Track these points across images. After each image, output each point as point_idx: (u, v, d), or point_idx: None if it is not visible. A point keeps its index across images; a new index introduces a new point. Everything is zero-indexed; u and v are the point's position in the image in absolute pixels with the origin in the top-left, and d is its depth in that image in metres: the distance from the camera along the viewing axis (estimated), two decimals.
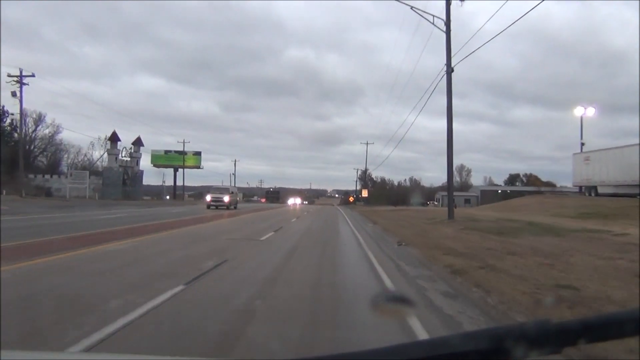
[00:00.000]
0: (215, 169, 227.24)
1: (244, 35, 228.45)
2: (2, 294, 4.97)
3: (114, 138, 71.12)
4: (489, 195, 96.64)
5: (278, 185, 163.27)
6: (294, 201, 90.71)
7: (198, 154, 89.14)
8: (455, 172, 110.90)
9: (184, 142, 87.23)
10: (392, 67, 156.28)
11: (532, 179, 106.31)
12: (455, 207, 34.78)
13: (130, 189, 69.46)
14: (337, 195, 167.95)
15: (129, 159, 72.11)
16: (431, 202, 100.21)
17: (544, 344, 0.80)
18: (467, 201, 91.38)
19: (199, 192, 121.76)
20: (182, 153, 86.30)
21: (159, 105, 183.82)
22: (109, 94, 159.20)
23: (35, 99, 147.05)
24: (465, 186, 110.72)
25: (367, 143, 79.33)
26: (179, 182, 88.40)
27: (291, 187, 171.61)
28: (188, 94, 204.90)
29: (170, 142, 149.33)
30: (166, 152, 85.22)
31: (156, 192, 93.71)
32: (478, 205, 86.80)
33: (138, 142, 74.83)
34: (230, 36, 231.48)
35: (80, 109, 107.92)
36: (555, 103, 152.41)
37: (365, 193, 79.95)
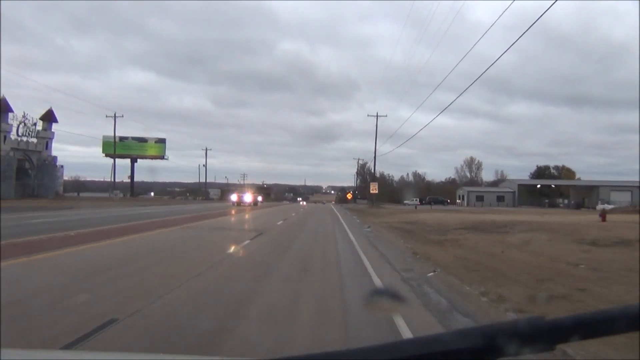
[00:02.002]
0: (211, 166, 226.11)
1: (236, 27, 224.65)
2: None
3: (48, 117, 53.65)
4: (527, 192, 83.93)
5: (272, 182, 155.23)
6: (240, 198, 50.81)
7: (162, 141, 74.90)
8: (464, 166, 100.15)
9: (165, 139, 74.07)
10: (387, 61, 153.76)
11: (564, 172, 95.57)
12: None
13: (35, 183, 51.40)
14: (332, 192, 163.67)
15: (34, 140, 51.18)
16: (447, 200, 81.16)
17: (536, 341, 0.81)
18: (501, 199, 79.10)
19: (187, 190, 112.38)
20: (142, 140, 72.98)
21: (150, 100, 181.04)
22: (99, 88, 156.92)
23: (26, 93, 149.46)
24: (475, 182, 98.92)
25: (377, 115, 55.93)
26: (142, 177, 78.91)
27: (287, 183, 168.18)
28: (179, 89, 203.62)
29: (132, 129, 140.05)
30: (122, 138, 69.55)
31: (105, 188, 77.74)
32: (516, 205, 73.73)
33: (49, 117, 53.81)
34: (221, 28, 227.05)
35: (69, 104, 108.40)
36: (552, 98, 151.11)
37: (374, 188, 57.78)
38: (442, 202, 76.10)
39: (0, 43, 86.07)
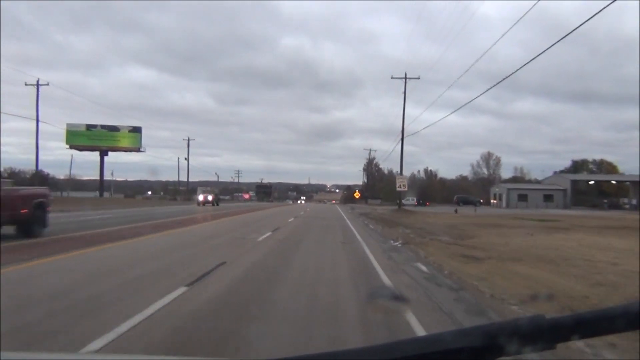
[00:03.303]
0: (213, 164, 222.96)
1: (237, 22, 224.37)
2: None
3: None
4: (580, 189, 71.85)
5: (276, 181, 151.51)
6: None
7: (137, 130, 64.53)
8: (481, 162, 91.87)
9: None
10: (391, 57, 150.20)
11: (605, 166, 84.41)
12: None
13: None
14: (337, 190, 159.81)
15: None
16: (480, 200, 68.60)
17: (537, 339, 0.81)
18: (548, 198, 66.95)
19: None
20: (113, 129, 63.45)
21: (151, 98, 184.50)
22: (99, 86, 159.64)
23: (27, 91, 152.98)
24: (493, 179, 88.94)
25: (405, 78, 39.65)
26: (143, 176, 70.47)
27: (290, 182, 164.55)
28: (180, 86, 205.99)
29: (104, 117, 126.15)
30: (89, 127, 62.23)
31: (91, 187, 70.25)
32: (568, 205, 62.02)
33: None
34: (222, 23, 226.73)
35: (70, 102, 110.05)
36: (558, 95, 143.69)
37: (402, 184, 39.59)
38: (474, 203, 62.70)
39: (0, 40, 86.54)
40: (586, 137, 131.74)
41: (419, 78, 40.65)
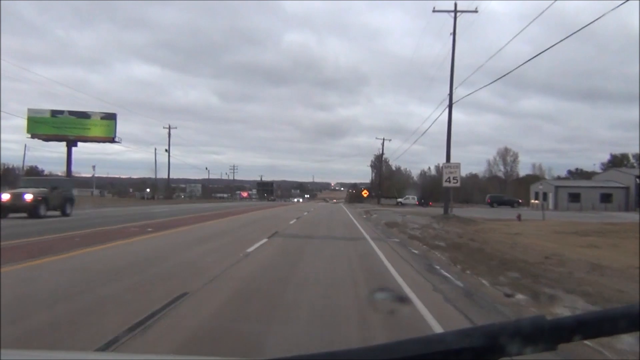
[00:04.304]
0: (217, 162, 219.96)
1: (241, 17, 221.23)
2: None
3: None
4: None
5: (280, 179, 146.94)
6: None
7: (111, 117, 55.73)
8: (497, 158, 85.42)
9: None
10: (398, 54, 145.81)
11: None
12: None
13: None
14: (342, 189, 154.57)
15: None
16: (518, 200, 60.22)
17: (538, 340, 0.81)
18: (606, 198, 56.09)
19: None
20: (82, 115, 54.72)
21: (155, 95, 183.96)
22: (102, 82, 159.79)
23: (29, 88, 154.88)
24: (509, 176, 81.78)
25: (454, 26, 27.78)
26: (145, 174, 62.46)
27: (294, 180, 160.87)
28: (184, 83, 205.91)
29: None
30: (54, 113, 53.64)
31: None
32: (633, 206, 50.36)
33: None
34: (225, 18, 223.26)
35: (74, 99, 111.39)
36: (566, 93, 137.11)
37: (453, 177, 27.95)
38: (511, 204, 56.47)
39: (0, 38, 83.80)
40: (594, 135, 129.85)
41: (476, 11, 27.85)
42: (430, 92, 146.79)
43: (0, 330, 4.01)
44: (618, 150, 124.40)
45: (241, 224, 21.26)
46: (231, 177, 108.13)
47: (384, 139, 71.06)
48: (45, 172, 61.79)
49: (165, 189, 72.04)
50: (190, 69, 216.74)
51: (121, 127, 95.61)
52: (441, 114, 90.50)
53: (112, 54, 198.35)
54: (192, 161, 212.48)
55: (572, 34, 12.90)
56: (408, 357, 0.84)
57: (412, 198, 63.41)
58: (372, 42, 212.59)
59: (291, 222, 22.67)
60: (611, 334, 0.79)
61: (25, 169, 58.75)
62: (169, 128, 67.97)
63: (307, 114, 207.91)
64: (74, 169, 57.65)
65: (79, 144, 56.43)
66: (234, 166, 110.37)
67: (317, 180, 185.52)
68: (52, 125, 52.16)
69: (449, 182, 27.82)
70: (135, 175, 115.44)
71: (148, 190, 71.53)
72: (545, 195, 58.26)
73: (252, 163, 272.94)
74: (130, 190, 79.45)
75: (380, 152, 76.06)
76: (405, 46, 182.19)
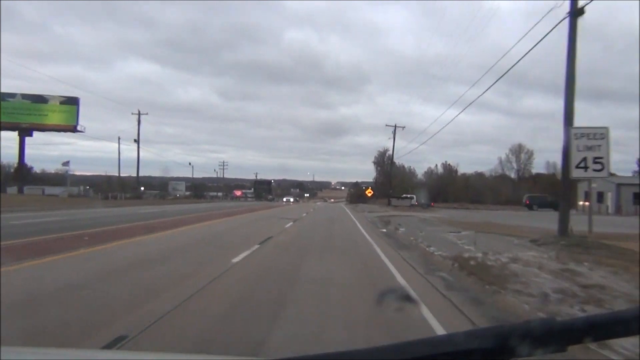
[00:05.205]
0: (217, 161, 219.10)
1: (242, 14, 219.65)
2: None
3: None
4: None
5: (280, 178, 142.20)
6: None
7: (71, 101, 48.64)
8: (509, 154, 79.86)
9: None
10: (400, 53, 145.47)
11: None
12: None
13: None
14: (342, 188, 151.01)
15: None
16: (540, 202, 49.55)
17: (548, 342, 0.81)
18: None
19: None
20: (38, 100, 47.78)
21: (155, 93, 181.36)
22: (101, 80, 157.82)
23: (31, 85, 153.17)
24: (523, 176, 75.85)
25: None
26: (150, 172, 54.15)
27: (294, 179, 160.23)
28: (184, 81, 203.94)
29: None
30: (4, 97, 45.81)
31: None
32: None
33: None
34: (226, 15, 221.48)
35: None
36: (578, 92, 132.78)
37: (597, 158, 12.30)
38: (555, 206, 48.73)
39: (0, 36, 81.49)
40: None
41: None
42: (432, 91, 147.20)
43: None
44: (621, 150, 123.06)
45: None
46: (220, 175, 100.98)
47: (395, 126, 58.68)
48: None
49: (132, 188, 61.28)
50: (190, 66, 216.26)
51: (121, 126, 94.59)
52: (459, 113, 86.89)
53: (112, 52, 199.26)
54: (194, 159, 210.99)
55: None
56: (417, 358, 0.83)
57: (411, 197, 56.78)
58: (374, 40, 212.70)
59: (255, 247, 11.02)
60: (622, 336, 0.79)
61: None
62: (139, 114, 55.26)
63: (307, 113, 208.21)
64: (45, 165, 50.13)
65: (35, 133, 49.25)
66: (223, 162, 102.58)
67: (317, 179, 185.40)
68: (3, 111, 45.26)
69: (585, 167, 12.82)
70: (197, 175, 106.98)
71: (143, 188, 65.15)
72: (600, 195, 46.01)
73: (253, 162, 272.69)
74: (87, 187, 65.74)
75: (385, 148, 69.69)
76: (407, 44, 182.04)
